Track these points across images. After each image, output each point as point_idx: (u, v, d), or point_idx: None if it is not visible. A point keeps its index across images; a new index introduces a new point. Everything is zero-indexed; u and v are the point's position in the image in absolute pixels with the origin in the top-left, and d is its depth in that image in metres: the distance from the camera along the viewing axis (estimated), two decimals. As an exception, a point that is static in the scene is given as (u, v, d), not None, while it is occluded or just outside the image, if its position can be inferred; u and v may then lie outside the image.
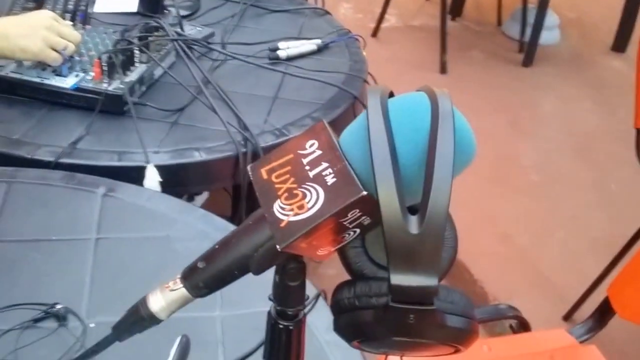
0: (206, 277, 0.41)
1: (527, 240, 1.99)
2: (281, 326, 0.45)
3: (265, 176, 0.40)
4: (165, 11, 1.37)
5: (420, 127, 0.37)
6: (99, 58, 1.03)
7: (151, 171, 0.94)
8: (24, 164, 0.92)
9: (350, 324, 0.40)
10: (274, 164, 0.40)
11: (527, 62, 2.86)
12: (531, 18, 2.82)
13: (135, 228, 0.84)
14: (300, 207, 0.37)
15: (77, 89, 1.03)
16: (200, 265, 0.41)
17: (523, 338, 1.08)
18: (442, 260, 0.43)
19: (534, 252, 1.95)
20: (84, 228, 0.83)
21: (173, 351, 0.45)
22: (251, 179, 0.40)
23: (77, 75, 1.04)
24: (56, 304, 0.69)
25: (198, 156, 0.99)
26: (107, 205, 0.87)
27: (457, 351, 0.42)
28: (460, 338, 0.40)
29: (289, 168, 0.39)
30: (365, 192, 0.36)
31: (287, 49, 1.29)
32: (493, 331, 1.58)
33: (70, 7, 1.29)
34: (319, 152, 0.39)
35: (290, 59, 1.29)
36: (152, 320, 0.42)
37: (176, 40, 1.15)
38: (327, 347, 0.71)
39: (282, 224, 0.37)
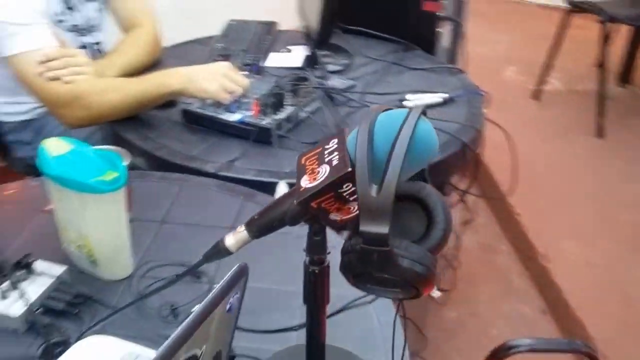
0: (259, 225, 0.65)
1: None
2: (310, 270, 0.66)
3: (302, 162, 0.63)
4: (322, 67, 1.67)
5: (392, 129, 0.57)
6: (257, 100, 1.35)
7: (282, 186, 1.21)
8: (194, 173, 1.24)
9: (344, 264, 0.60)
10: (310, 154, 0.63)
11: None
12: None
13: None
14: (314, 179, 0.59)
15: (241, 122, 1.35)
16: (255, 217, 0.65)
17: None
18: (433, 236, 0.63)
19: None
20: (226, 220, 1.11)
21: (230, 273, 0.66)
22: (296, 164, 0.64)
23: (241, 112, 1.37)
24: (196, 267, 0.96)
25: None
26: (245, 207, 1.15)
27: (417, 294, 0.60)
28: (414, 279, 0.58)
29: (316, 156, 0.62)
30: (350, 169, 0.57)
31: (413, 100, 1.52)
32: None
33: (248, 61, 1.65)
34: (335, 146, 0.61)
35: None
36: (226, 252, 0.67)
37: (318, 88, 1.43)
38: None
39: (301, 189, 0.60)
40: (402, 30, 1.90)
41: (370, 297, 0.93)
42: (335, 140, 0.62)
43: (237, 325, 0.85)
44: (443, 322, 1.94)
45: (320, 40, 1.64)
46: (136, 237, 0.99)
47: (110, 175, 0.87)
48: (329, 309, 0.88)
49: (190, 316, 0.57)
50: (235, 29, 1.91)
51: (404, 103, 1.51)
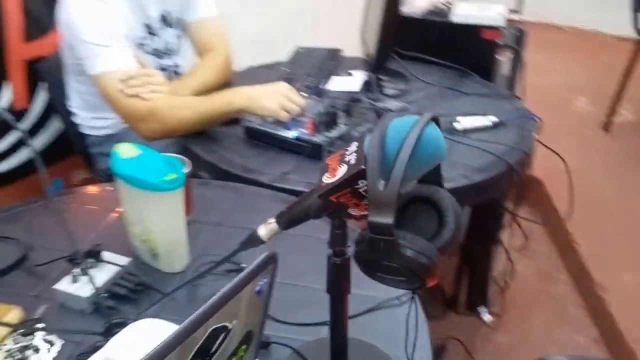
0: (287, 217, 0.74)
1: None
2: (332, 261, 0.74)
3: (326, 162, 0.71)
4: (379, 90, 1.76)
5: (402, 133, 0.65)
6: (312, 118, 1.45)
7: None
8: (251, 183, 1.35)
9: (356, 252, 0.68)
10: (333, 156, 0.71)
11: None
12: None
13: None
14: (333, 176, 0.68)
15: (296, 138, 1.45)
16: (284, 210, 0.74)
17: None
18: (443, 236, 0.70)
19: None
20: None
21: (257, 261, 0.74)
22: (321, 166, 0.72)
23: (297, 129, 1.47)
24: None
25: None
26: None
27: (422, 284, 0.67)
28: (418, 268, 0.65)
29: (338, 157, 0.70)
30: (363, 167, 0.65)
31: (464, 122, 1.57)
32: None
33: (310, 84, 1.77)
34: (355, 149, 0.69)
35: (465, 130, 1.57)
36: (259, 241, 0.76)
37: (370, 109, 1.52)
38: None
39: (322, 184, 0.68)
40: (460, 56, 1.97)
41: (399, 299, 1.00)
42: (356, 144, 0.70)
43: (274, 317, 0.94)
44: (494, 346, 1.95)
45: (377, 65, 1.74)
46: (194, 237, 1.11)
47: (171, 177, 0.99)
48: (359, 308, 0.96)
49: (221, 290, 0.66)
50: (302, 54, 2.04)
51: (454, 124, 1.57)
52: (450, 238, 0.71)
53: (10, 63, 1.90)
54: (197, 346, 0.65)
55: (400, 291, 1.00)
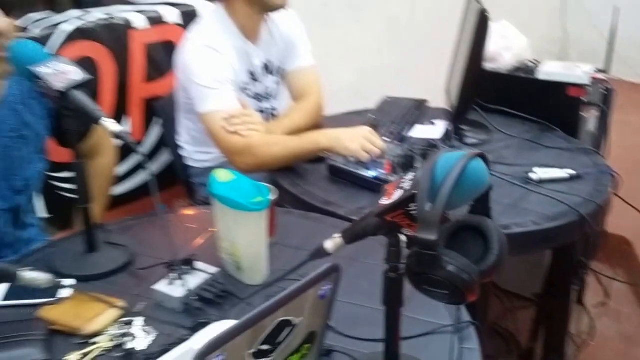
0: (350, 234, 0.86)
1: None
2: (388, 276, 0.85)
3: (386, 188, 0.83)
4: (459, 139, 1.85)
5: (449, 164, 0.75)
6: (390, 160, 1.57)
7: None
8: (329, 215, 1.48)
9: (407, 266, 0.78)
10: (393, 183, 0.83)
11: None
12: None
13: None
14: (389, 199, 0.79)
15: (374, 178, 1.57)
16: (349, 227, 0.86)
17: None
18: (487, 260, 0.79)
19: None
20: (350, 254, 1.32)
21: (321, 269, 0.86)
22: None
23: (376, 170, 1.59)
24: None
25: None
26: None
27: (463, 298, 0.76)
28: (458, 283, 0.74)
29: (397, 184, 0.82)
30: (414, 192, 0.76)
31: (539, 172, 1.63)
32: None
33: (392, 131, 1.89)
34: (411, 177, 0.80)
35: (541, 181, 1.62)
36: (326, 253, 0.88)
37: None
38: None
39: (380, 205, 0.80)
40: (544, 112, 2.03)
41: (456, 326, 1.08)
42: (412, 174, 0.81)
43: (338, 330, 1.05)
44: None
45: (458, 115, 1.84)
46: (275, 256, 1.24)
47: (258, 200, 1.14)
48: (414, 331, 1.04)
49: (289, 288, 0.78)
50: (389, 103, 2.17)
51: (529, 174, 1.63)
52: (494, 263, 0.80)
53: (132, 100, 2.17)
54: (266, 333, 0.78)
55: (461, 318, 1.08)
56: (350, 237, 0.87)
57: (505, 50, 2.22)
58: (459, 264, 0.75)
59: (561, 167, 1.68)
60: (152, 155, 2.27)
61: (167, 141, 2.14)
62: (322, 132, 1.68)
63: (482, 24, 1.73)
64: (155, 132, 2.24)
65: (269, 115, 1.97)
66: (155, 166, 2.28)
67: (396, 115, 2.04)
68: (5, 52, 1.15)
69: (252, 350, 0.77)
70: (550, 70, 2.13)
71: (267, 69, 1.92)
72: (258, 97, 1.93)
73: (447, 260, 0.74)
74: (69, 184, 1.93)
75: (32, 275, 0.88)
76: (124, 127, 2.14)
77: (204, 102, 1.72)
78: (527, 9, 3.67)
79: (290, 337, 0.83)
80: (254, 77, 1.89)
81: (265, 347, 0.78)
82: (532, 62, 2.23)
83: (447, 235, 0.82)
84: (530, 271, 2.20)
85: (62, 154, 1.49)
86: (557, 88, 2.08)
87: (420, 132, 1.95)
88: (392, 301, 0.87)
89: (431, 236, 0.73)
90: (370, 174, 1.58)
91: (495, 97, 2.10)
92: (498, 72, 2.20)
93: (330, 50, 2.75)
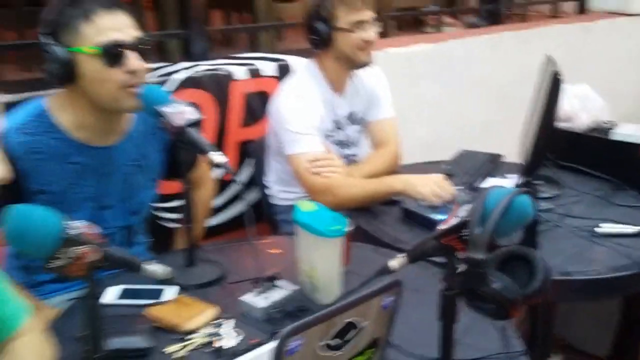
0: (413, 254, 1.00)
1: None
2: (445, 294, 0.98)
3: (447, 218, 0.97)
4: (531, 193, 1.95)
5: (499, 197, 0.89)
6: (460, 205, 1.69)
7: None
8: (398, 251, 1.61)
9: (458, 283, 0.92)
10: (452, 213, 0.97)
11: None
12: None
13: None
14: (446, 225, 0.94)
15: (443, 221, 1.70)
16: (412, 248, 1.00)
17: None
18: (531, 286, 0.92)
19: None
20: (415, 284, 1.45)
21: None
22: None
23: (446, 213, 1.72)
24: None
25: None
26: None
27: (507, 314, 0.88)
28: (502, 299, 0.87)
29: (455, 213, 0.96)
30: (467, 219, 0.90)
31: (605, 227, 1.70)
32: None
33: (465, 181, 2.02)
34: (466, 208, 0.95)
35: (606, 235, 1.69)
36: (389, 271, 1.03)
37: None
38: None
39: (438, 230, 0.94)
40: (617, 171, 2.10)
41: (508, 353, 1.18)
42: (469, 205, 0.96)
43: (401, 347, 1.18)
44: None
45: (529, 169, 1.94)
46: (347, 281, 1.39)
47: (335, 228, 1.30)
48: (472, 354, 1.15)
49: (356, 294, 0.93)
50: (464, 156, 2.30)
51: (595, 228, 1.70)
52: (538, 288, 0.92)
53: (228, 142, 2.42)
54: (336, 330, 0.92)
55: (512, 347, 1.18)
56: (413, 257, 1.01)
57: (581, 111, 2.32)
58: (504, 283, 0.87)
59: (629, 224, 1.74)
60: (241, 194, 2.50)
61: (256, 180, 2.36)
62: (397, 176, 1.84)
63: (555, 85, 1.85)
64: (246, 172, 2.47)
65: (350, 160, 2.15)
66: (244, 203, 2.50)
67: (470, 167, 2.16)
68: (139, 90, 1.40)
69: (324, 342, 0.92)
70: (624, 132, 2.20)
71: (351, 118, 2.11)
72: (341, 144, 2.12)
73: (493, 278, 0.87)
74: (170, 213, 2.17)
75: (153, 268, 1.07)
76: (237, 179, 2.38)
77: (292, 146, 1.93)
78: (611, 72, 3.73)
79: (356, 338, 0.97)
80: (338, 126, 2.08)
81: (335, 341, 0.93)
82: (608, 123, 2.30)
83: (499, 261, 0.95)
84: (600, 329, 2.22)
85: (168, 187, 1.73)
86: (630, 149, 2.15)
87: (492, 184, 2.06)
88: (448, 317, 1.00)
89: (479, 256, 0.86)
90: (440, 217, 1.71)
91: (570, 154, 2.19)
92: (573, 131, 2.29)
93: (413, 105, 2.93)
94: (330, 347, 0.93)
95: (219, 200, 2.35)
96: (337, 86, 2.06)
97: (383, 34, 3.22)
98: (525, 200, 0.90)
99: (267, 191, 2.26)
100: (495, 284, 0.87)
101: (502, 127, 2.92)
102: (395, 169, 2.09)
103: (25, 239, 0.89)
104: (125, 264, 1.01)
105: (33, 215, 0.91)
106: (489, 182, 2.07)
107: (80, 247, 0.90)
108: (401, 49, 2.97)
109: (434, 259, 1.04)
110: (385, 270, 1.05)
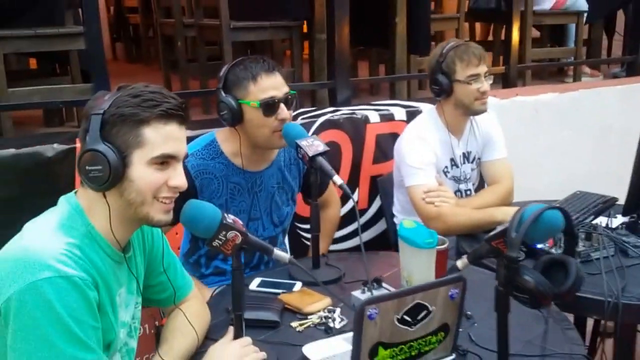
0: (473, 256, 1.28)
1: None
2: (498, 289, 1.25)
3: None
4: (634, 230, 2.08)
5: (533, 210, 1.15)
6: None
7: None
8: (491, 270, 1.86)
9: (501, 276, 1.18)
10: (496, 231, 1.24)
11: None
12: None
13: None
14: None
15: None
16: (471, 251, 1.28)
17: None
18: (564, 285, 1.17)
19: None
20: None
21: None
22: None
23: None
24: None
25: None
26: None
27: (539, 303, 1.13)
28: (533, 290, 1.12)
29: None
30: (508, 226, 1.17)
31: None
32: None
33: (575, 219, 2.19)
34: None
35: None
36: (457, 269, 1.31)
37: (608, 237, 1.88)
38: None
39: (489, 234, 1.22)
40: None
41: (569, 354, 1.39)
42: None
43: (474, 340, 1.44)
44: None
45: (628, 208, 2.08)
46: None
47: (428, 241, 1.60)
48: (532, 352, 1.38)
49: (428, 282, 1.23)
50: (578, 197, 2.45)
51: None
52: (569, 288, 1.17)
53: (362, 177, 2.80)
54: (408, 307, 1.23)
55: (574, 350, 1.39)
56: (473, 258, 1.29)
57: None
58: (535, 277, 1.13)
59: None
60: (372, 222, 2.86)
61: (384, 210, 2.70)
62: (499, 207, 2.09)
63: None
64: (376, 204, 2.83)
65: (463, 195, 2.42)
66: (374, 231, 2.86)
67: (580, 206, 2.32)
68: (282, 130, 1.82)
69: (397, 316, 1.22)
70: None
71: (466, 157, 2.39)
72: (456, 180, 2.40)
73: (527, 273, 1.13)
74: (305, 232, 2.59)
75: (280, 253, 1.44)
76: (354, 197, 2.77)
77: (410, 178, 2.26)
78: None
79: (427, 318, 1.26)
80: (454, 163, 2.38)
81: (407, 317, 1.23)
82: None
83: (543, 264, 1.21)
84: None
85: (305, 210, 2.13)
86: None
87: (601, 222, 2.20)
88: (502, 308, 1.25)
89: (514, 254, 1.13)
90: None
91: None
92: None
93: (538, 149, 3.12)
94: (404, 322, 1.24)
95: (342, 232, 2.72)
96: (454, 129, 2.36)
97: (513, 84, 3.47)
98: (555, 213, 1.15)
99: (394, 220, 2.59)
100: (529, 278, 1.12)
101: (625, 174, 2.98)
102: (507, 204, 2.31)
103: (198, 223, 1.31)
104: (261, 248, 1.40)
105: (204, 207, 1.32)
106: (597, 221, 2.22)
107: (232, 232, 1.30)
108: (528, 98, 3.18)
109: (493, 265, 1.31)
110: (454, 269, 1.33)
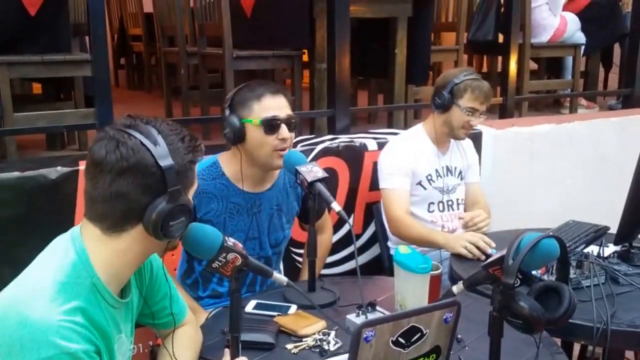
0: (469, 282, 1.30)
1: None
2: (493, 314, 1.27)
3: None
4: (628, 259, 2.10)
5: (530, 239, 1.18)
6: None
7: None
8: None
9: (497, 303, 1.21)
10: (493, 258, 1.27)
11: None
12: None
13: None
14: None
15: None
16: (467, 278, 1.31)
17: None
18: (557, 312, 1.19)
19: None
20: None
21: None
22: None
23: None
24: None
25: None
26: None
27: (532, 329, 1.15)
28: (527, 316, 1.14)
29: (500, 253, 1.26)
30: (504, 253, 1.20)
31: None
32: None
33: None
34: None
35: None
36: (452, 294, 1.33)
37: (599, 265, 1.91)
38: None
39: (485, 262, 1.25)
40: None
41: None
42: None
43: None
44: None
45: (620, 236, 2.12)
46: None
47: (422, 266, 1.63)
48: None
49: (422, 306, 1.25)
50: (570, 226, 2.48)
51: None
52: (562, 314, 1.19)
53: (358, 203, 2.83)
54: (402, 329, 1.24)
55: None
56: (469, 284, 1.32)
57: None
58: (529, 304, 1.15)
59: None
60: (366, 247, 2.88)
61: (378, 236, 2.73)
62: (442, 233, 2.33)
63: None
64: (370, 229, 2.86)
65: (447, 205, 2.53)
66: (368, 255, 2.88)
67: (571, 235, 2.34)
68: (284, 153, 1.87)
69: (393, 338, 1.24)
70: None
71: (449, 170, 2.55)
72: (440, 190, 2.53)
73: (522, 299, 1.16)
74: (299, 257, 2.61)
75: (279, 276, 1.47)
76: (349, 221, 2.79)
77: (383, 182, 2.45)
78: None
79: (420, 341, 1.28)
80: (438, 174, 2.52)
81: (401, 340, 1.25)
82: None
83: (536, 290, 1.23)
84: None
85: (300, 235, 2.16)
86: None
87: (592, 250, 2.23)
88: (496, 333, 1.27)
89: (510, 281, 1.16)
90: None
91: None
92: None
93: (531, 179, 3.16)
94: (398, 344, 1.25)
95: (336, 257, 2.75)
96: (439, 144, 2.52)
97: (510, 114, 3.53)
98: (551, 242, 1.18)
99: (389, 243, 2.62)
100: (524, 304, 1.15)
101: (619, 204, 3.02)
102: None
103: (199, 245, 1.33)
104: (260, 270, 1.42)
105: (205, 229, 1.35)
106: (587, 249, 2.24)
107: (232, 253, 1.33)
108: (524, 128, 3.24)
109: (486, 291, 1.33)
110: (450, 294, 1.35)
